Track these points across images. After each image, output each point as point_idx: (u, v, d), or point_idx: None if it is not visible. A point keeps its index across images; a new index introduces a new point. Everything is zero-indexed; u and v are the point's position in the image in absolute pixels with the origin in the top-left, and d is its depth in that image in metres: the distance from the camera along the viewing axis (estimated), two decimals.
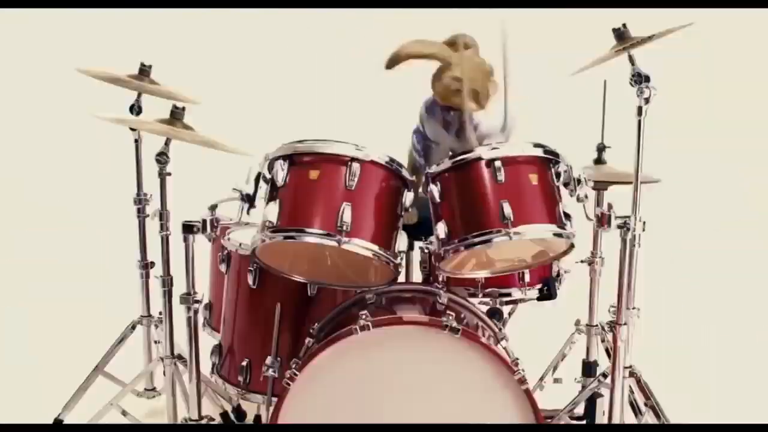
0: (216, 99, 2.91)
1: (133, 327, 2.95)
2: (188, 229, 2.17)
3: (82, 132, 4.44)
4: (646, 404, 2.48)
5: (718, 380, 3.38)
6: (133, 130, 2.83)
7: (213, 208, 2.21)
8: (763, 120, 5.00)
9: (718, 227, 4.77)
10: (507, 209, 2.02)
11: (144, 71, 2.75)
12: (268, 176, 2.19)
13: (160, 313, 2.97)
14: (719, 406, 3.10)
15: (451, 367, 2.03)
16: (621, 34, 2.27)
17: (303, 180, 2.12)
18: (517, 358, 2.06)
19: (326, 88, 4.75)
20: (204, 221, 2.16)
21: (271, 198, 2.17)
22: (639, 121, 2.16)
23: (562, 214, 2.11)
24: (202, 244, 2.87)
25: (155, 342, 3.03)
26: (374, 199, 2.12)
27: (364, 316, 2.04)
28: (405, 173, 2.19)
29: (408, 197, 2.20)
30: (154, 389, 3.06)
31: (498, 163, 2.06)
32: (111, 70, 2.72)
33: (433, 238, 2.54)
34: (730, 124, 4.96)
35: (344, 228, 2.04)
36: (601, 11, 3.95)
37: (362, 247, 2.07)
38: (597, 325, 2.81)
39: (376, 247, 2.09)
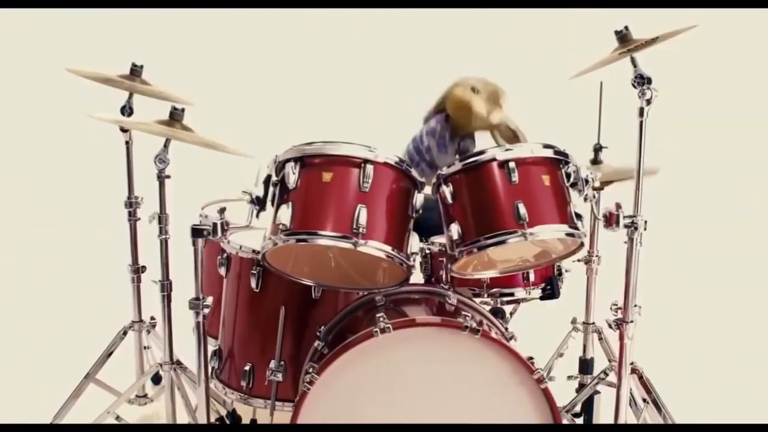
0: (204, 100, 2.86)
1: (125, 333, 2.88)
2: (198, 233, 2.12)
3: (71, 133, 4.37)
4: (645, 400, 2.53)
5: (714, 378, 3.42)
6: (124, 131, 2.77)
7: (222, 211, 2.17)
8: (760, 120, 5.10)
9: (714, 226, 4.89)
10: (522, 210, 2.04)
11: (135, 71, 2.69)
12: (276, 178, 2.17)
13: (152, 318, 2.94)
14: (714, 403, 3.14)
15: (470, 367, 2.03)
16: (623, 37, 2.29)
17: (316, 182, 2.10)
18: (532, 357, 2.07)
19: (317, 88, 4.71)
20: (214, 225, 2.12)
21: (281, 201, 2.14)
22: (641, 122, 2.20)
23: (573, 214, 2.13)
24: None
25: (145, 347, 2.98)
26: (388, 201, 2.11)
27: (381, 319, 2.03)
28: (415, 174, 2.19)
29: (418, 199, 2.19)
30: (145, 395, 2.99)
31: (512, 164, 2.07)
32: (101, 70, 2.66)
33: (436, 239, 2.57)
34: (726, 123, 5.06)
35: (360, 230, 2.03)
36: (597, 11, 3.98)
37: (378, 249, 2.06)
38: (593, 323, 2.85)
39: (390, 249, 2.09)
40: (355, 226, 2.03)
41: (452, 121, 2.92)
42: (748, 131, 5.11)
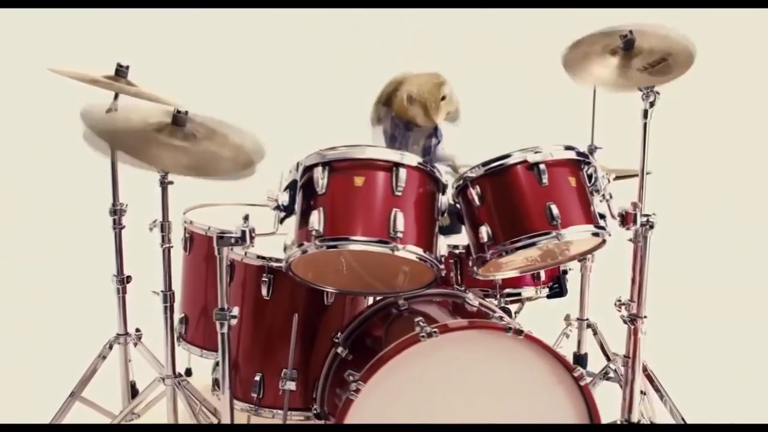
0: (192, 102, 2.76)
1: (110, 347, 2.74)
2: (224, 241, 2.04)
3: (55, 136, 4.13)
4: (642, 392, 2.60)
5: (711, 374, 3.48)
6: None
7: (246, 218, 2.08)
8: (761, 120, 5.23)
9: (713, 226, 5.02)
10: (555, 211, 2.06)
11: (120, 72, 2.57)
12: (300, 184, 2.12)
13: (137, 330, 2.82)
14: (711, 398, 3.17)
15: (510, 368, 2.04)
16: (629, 41, 2.36)
17: (347, 187, 2.06)
18: (566, 356, 2.09)
19: (310, 89, 4.62)
20: (243, 232, 2.04)
21: (308, 206, 2.09)
22: (645, 124, 2.28)
23: (597, 214, 2.17)
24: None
25: (129, 361, 2.85)
26: (419, 204, 2.09)
27: (421, 323, 2.01)
28: (439, 175, 2.18)
29: (443, 201, 2.19)
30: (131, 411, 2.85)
31: (542, 166, 2.09)
32: (86, 70, 2.53)
33: (450, 240, 2.55)
34: (728, 121, 5.18)
35: (397, 235, 2.01)
36: (595, 11, 4.02)
37: (413, 253, 2.04)
38: (587, 319, 2.92)
39: (422, 252, 2.06)
40: (392, 231, 2.01)
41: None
42: (751, 129, 5.23)
